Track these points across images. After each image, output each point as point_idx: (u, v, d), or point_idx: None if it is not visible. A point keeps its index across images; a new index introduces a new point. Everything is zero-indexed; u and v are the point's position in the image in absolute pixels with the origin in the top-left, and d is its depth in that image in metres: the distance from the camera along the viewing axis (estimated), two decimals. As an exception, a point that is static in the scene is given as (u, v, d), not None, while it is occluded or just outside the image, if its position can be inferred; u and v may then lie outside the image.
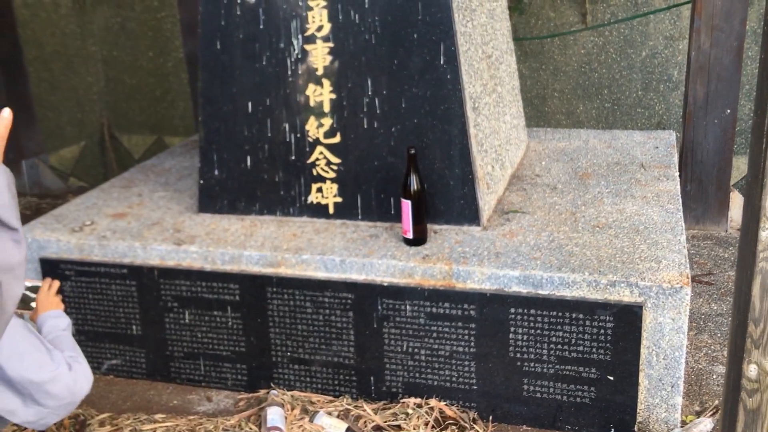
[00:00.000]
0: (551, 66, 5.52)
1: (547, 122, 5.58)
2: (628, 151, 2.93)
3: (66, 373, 1.44)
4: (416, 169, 2.15)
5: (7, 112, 1.10)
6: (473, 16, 2.36)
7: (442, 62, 2.19)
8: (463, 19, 2.25)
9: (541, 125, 5.55)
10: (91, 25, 6.39)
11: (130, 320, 2.38)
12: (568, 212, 2.37)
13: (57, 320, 1.65)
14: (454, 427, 2.08)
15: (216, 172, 2.46)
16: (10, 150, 4.33)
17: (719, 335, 2.48)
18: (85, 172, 6.53)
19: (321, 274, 2.18)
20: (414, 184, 2.15)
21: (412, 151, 2.14)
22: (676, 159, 2.84)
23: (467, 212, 2.28)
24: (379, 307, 2.12)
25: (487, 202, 2.34)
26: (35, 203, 4.14)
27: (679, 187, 2.56)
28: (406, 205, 2.16)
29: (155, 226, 2.45)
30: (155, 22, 6.26)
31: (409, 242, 2.20)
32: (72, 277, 2.38)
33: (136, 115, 6.52)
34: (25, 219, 4.28)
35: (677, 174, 2.67)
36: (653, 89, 5.34)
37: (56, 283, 1.71)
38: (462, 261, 2.07)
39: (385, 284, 2.11)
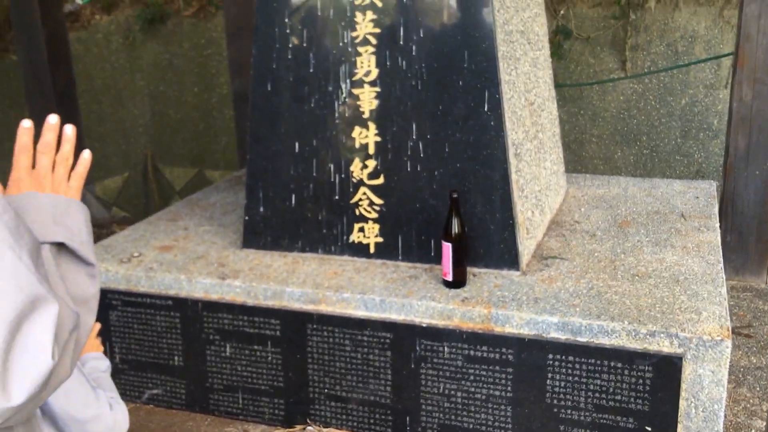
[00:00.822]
0: (590, 111, 5.55)
1: (585, 167, 5.59)
2: (668, 200, 2.94)
3: (108, 414, 1.47)
4: (458, 213, 2.19)
5: (87, 153, 1.16)
6: (517, 65, 2.42)
7: (486, 109, 2.24)
8: (508, 67, 2.31)
9: (579, 170, 5.56)
10: (140, 60, 6.60)
11: (172, 351, 2.43)
12: (608, 260, 2.38)
13: (98, 362, 1.68)
14: (488, 471, 2.08)
15: (261, 209, 2.53)
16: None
17: (758, 389, 2.46)
18: (127, 202, 6.69)
19: (360, 313, 2.21)
20: (455, 227, 2.19)
21: (455, 195, 2.19)
22: (716, 210, 2.84)
23: (507, 257, 2.30)
24: (417, 348, 2.15)
25: (526, 247, 2.37)
26: (81, 232, 4.25)
27: (719, 238, 2.56)
28: (447, 247, 2.19)
29: (200, 259, 2.51)
30: (202, 59, 6.45)
31: (448, 284, 2.23)
32: (118, 307, 2.45)
33: (179, 148, 6.68)
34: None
35: (717, 225, 2.67)
36: (693, 137, 5.34)
37: (97, 325, 1.76)
38: (501, 305, 2.10)
39: (424, 325, 2.14)
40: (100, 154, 6.48)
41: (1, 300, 0.82)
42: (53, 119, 1.10)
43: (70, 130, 1.13)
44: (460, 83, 2.25)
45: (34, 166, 1.10)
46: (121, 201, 6.65)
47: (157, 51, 6.55)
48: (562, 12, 5.50)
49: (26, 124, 1.09)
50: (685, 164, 5.40)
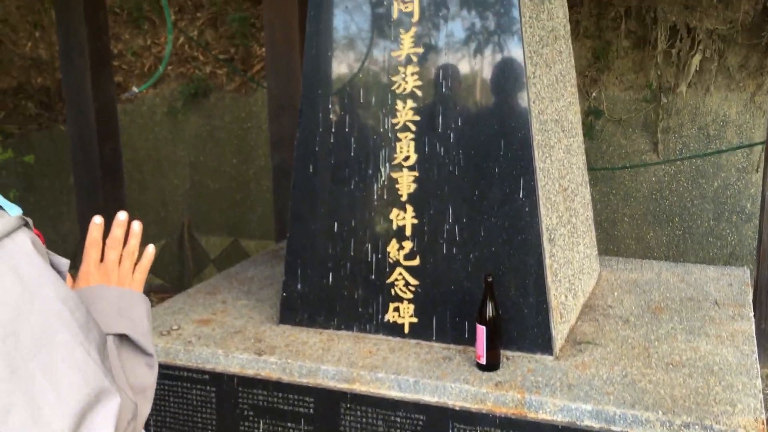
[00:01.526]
0: (622, 191, 5.59)
1: (617, 247, 5.60)
2: (702, 286, 2.95)
3: None
4: (492, 296, 2.23)
5: (151, 248, 1.24)
6: (551, 153, 2.49)
7: (521, 196, 2.30)
8: (542, 155, 2.38)
9: (611, 249, 5.57)
10: (182, 132, 6.83)
11: (206, 426, 2.47)
12: (641, 347, 2.39)
13: None
14: None
15: (299, 286, 2.59)
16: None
17: (798, 485, 2.40)
18: (163, 269, 6.82)
19: (394, 393, 2.24)
20: (490, 310, 2.22)
21: (490, 279, 2.23)
22: (750, 297, 2.84)
23: (540, 341, 2.32)
24: (450, 431, 2.16)
25: (560, 331, 2.39)
26: (119, 299, 4.35)
27: (753, 327, 2.56)
28: (481, 330, 2.23)
29: (238, 334, 2.57)
30: (242, 132, 6.66)
31: (482, 367, 2.25)
32: (156, 380, 2.49)
33: (216, 217, 6.83)
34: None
35: (752, 314, 2.67)
36: (726, 220, 5.34)
37: None
38: (534, 390, 2.11)
39: (457, 408, 2.15)
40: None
41: (69, 393, 0.88)
42: (122, 216, 1.19)
43: (137, 226, 1.21)
44: (496, 170, 2.32)
45: (102, 259, 1.18)
46: (157, 268, 6.77)
47: (199, 123, 6.79)
48: (594, 94, 5.62)
49: (97, 220, 1.18)
50: (719, 246, 5.39)
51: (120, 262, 1.19)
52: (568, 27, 2.87)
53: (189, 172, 6.88)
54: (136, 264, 1.21)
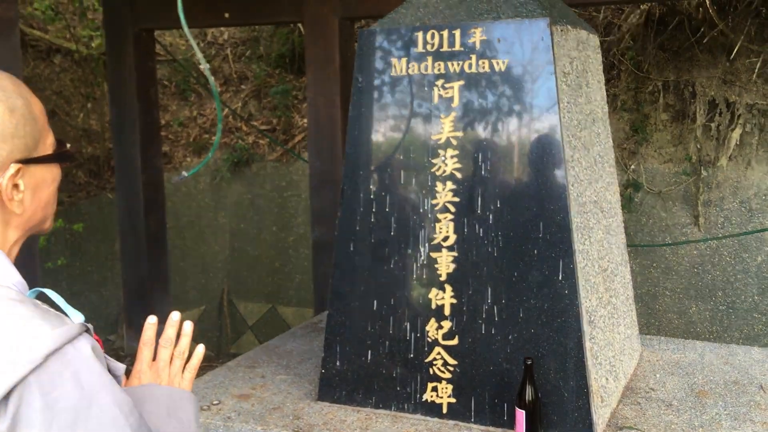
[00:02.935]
0: (662, 265, 5.53)
1: (659, 321, 5.51)
2: (747, 369, 2.89)
3: None
4: (532, 380, 2.22)
5: (201, 348, 1.28)
6: (590, 234, 2.50)
7: (560, 278, 2.31)
8: (581, 237, 2.39)
9: (652, 323, 5.48)
10: (225, 199, 6.99)
11: (243, 503, 2.46)
12: (685, 433, 2.34)
13: None
14: None
15: (337, 363, 2.61)
16: (142, 317, 4.71)
17: None
18: (201, 335, 6.88)
19: (432, 477, 2.22)
20: (529, 394, 2.21)
21: (529, 362, 2.22)
22: (798, 382, 2.77)
23: (581, 426, 2.29)
24: None
25: (600, 415, 2.36)
26: (159, 368, 4.41)
27: (803, 414, 2.49)
28: (521, 414, 2.21)
29: (276, 410, 2.58)
30: (281, 200, 6.79)
31: (521, 452, 2.22)
32: (195, 455, 2.51)
33: (254, 285, 6.91)
34: (148, 382, 4.55)
35: (801, 399, 2.60)
36: (771, 296, 5.23)
37: None
38: (575, 478, 2.07)
39: (496, 494, 2.13)
40: (180, 288, 6.75)
41: None
42: (176, 316, 1.23)
43: (188, 327, 1.26)
44: (535, 252, 2.34)
45: (154, 358, 1.23)
46: (195, 333, 6.81)
47: (241, 191, 6.94)
48: (632, 166, 5.63)
49: (152, 320, 1.23)
50: (764, 322, 5.27)
51: (171, 362, 1.23)
52: (606, 109, 2.92)
53: (229, 239, 7.01)
54: (186, 363, 1.25)
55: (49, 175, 1.11)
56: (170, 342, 1.23)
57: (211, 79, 2.45)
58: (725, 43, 5.28)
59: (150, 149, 4.47)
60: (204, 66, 2.37)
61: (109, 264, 6.48)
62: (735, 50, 4.96)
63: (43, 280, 5.81)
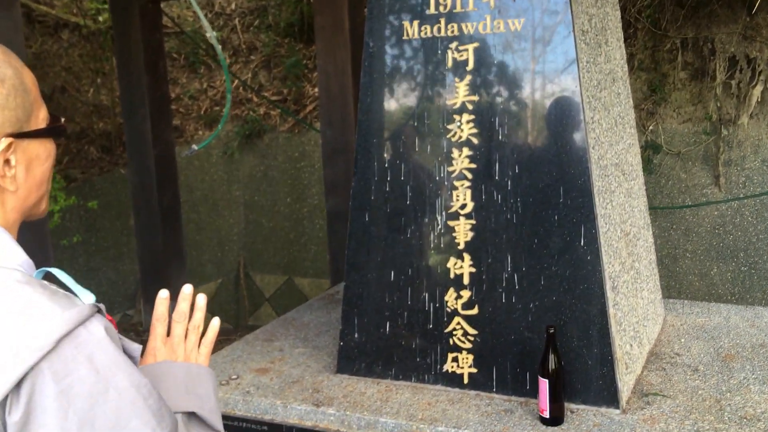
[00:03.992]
0: (683, 226, 5.45)
1: (679, 283, 5.44)
2: (774, 331, 2.82)
3: None
4: (555, 348, 2.17)
5: (216, 321, 1.24)
6: (612, 198, 2.43)
7: (582, 244, 2.25)
8: (603, 201, 2.33)
9: (672, 286, 5.42)
10: (237, 172, 6.95)
11: (265, 477, 2.45)
12: (713, 399, 2.29)
13: None
14: None
15: (356, 336, 2.57)
16: (157, 291, 4.70)
17: None
18: (219, 308, 6.89)
19: (455, 448, 2.19)
20: (552, 362, 2.16)
21: (552, 330, 2.17)
22: (827, 343, 2.71)
23: (606, 393, 2.25)
24: (514, 489, 2.09)
25: (626, 383, 2.31)
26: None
27: (833, 377, 2.43)
28: (544, 383, 2.16)
29: (295, 384, 2.55)
30: (295, 171, 6.74)
31: (545, 421, 2.18)
32: (216, 430, 2.50)
33: (270, 257, 6.90)
34: (167, 357, 4.56)
35: (831, 362, 2.54)
36: (794, 255, 5.14)
37: None
38: (601, 447, 2.03)
39: (521, 465, 2.09)
40: (196, 262, 6.75)
41: None
42: (188, 289, 1.19)
43: (201, 300, 1.21)
44: (556, 217, 2.28)
45: (168, 334, 1.18)
46: (213, 307, 6.85)
47: (254, 163, 6.89)
48: (651, 127, 5.51)
49: (163, 294, 1.18)
50: (788, 282, 5.18)
51: (186, 336, 1.18)
52: (626, 68, 2.82)
53: (244, 212, 6.98)
54: (201, 337, 1.21)
55: (43, 151, 1.05)
56: (184, 316, 1.18)
57: (219, 48, 2.38)
58: (745, -3, 5.12)
59: (161, 123, 4.42)
60: (210, 35, 2.30)
61: (125, 239, 6.48)
62: (757, 4, 4.80)
63: (59, 257, 5.82)
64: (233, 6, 7.76)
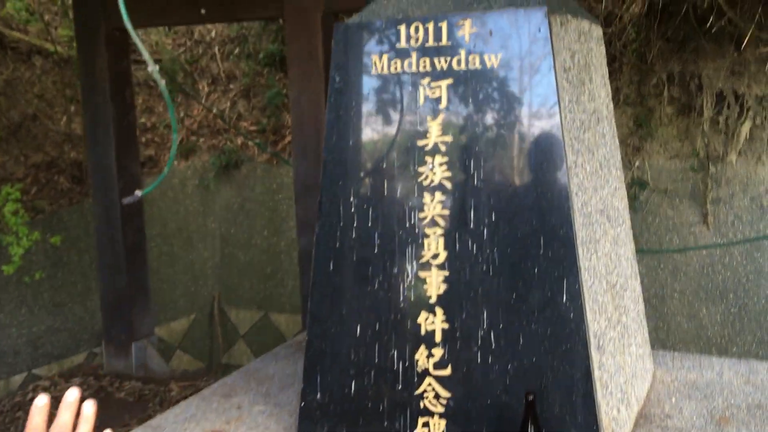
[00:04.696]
0: (670, 265, 5.27)
1: (667, 324, 5.25)
2: (771, 390, 2.63)
3: None
4: (534, 418, 1.96)
5: (90, 408, 0.99)
6: (597, 247, 2.24)
7: (564, 300, 2.05)
8: (587, 252, 2.14)
9: (660, 327, 5.23)
10: (213, 204, 6.73)
11: None
12: (707, 471, 2.08)
13: None
14: None
15: (318, 396, 2.35)
16: (121, 332, 4.46)
17: None
18: (192, 345, 6.63)
19: None
20: (531, 433, 1.95)
21: (531, 398, 1.96)
22: (828, 404, 2.51)
23: (590, 466, 2.04)
24: None
25: (612, 453, 2.10)
26: (139, 389, 4.16)
27: (837, 444, 2.23)
28: (522, 456, 1.95)
29: (251, 448, 2.33)
30: (273, 203, 6.53)
31: (523, 498, 1.97)
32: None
33: (246, 291, 6.66)
34: (129, 407, 4.32)
35: (833, 426, 2.35)
36: (786, 298, 4.97)
37: None
38: None
39: None
40: (168, 296, 6.50)
41: None
42: (72, 395, 0.96)
43: (89, 408, 0.98)
44: (536, 270, 2.08)
45: None
46: (185, 344, 6.59)
47: (230, 195, 6.68)
48: (637, 163, 5.36)
49: (40, 402, 0.95)
50: (779, 325, 5.01)
51: None
52: (611, 106, 2.65)
53: (219, 245, 6.75)
54: None
55: None
56: (65, 430, 0.95)
57: (162, 83, 2.18)
58: (733, 32, 5.00)
59: (127, 155, 4.21)
60: (153, 68, 2.10)
61: (93, 273, 6.22)
62: (746, 39, 4.68)
63: (22, 294, 5.56)
64: (213, 34, 7.60)
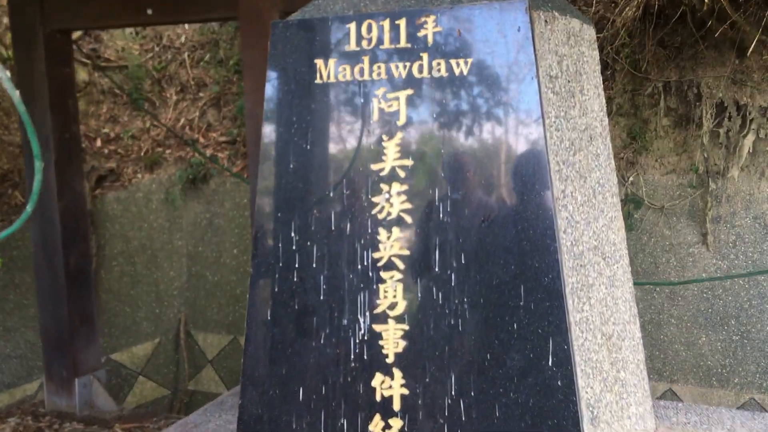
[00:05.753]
0: (667, 288, 4.89)
1: (664, 353, 4.86)
2: (794, 455, 2.24)
3: None
4: None
5: None
6: (590, 294, 1.85)
7: (550, 363, 1.65)
8: (578, 303, 1.74)
9: (656, 356, 4.84)
10: (180, 220, 6.31)
11: None
12: None
13: None
14: None
15: (253, 472, 1.94)
16: (63, 367, 4.04)
17: None
18: (156, 371, 6.20)
19: None
20: None
21: (507, 491, 1.56)
22: None
23: None
24: None
25: None
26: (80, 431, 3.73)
27: None
28: None
29: None
30: (243, 219, 6.12)
31: None
32: None
33: (214, 313, 6.23)
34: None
35: None
36: (792, 324, 4.60)
37: None
38: None
39: None
40: (130, 319, 6.08)
41: None
42: None
43: None
44: (515, 326, 1.68)
45: None
46: (149, 370, 6.16)
47: (198, 210, 6.27)
48: (631, 178, 4.98)
49: None
50: (784, 355, 4.63)
51: None
52: (606, 121, 2.26)
53: (186, 264, 6.32)
54: None
55: None
56: None
57: (15, 94, 1.78)
58: (734, 38, 4.63)
59: (68, 170, 3.79)
60: (2, 75, 1.69)
61: (48, 296, 5.79)
62: (752, 46, 4.31)
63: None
64: (183, 39, 7.19)
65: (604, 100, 2.27)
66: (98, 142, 6.73)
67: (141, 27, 5.74)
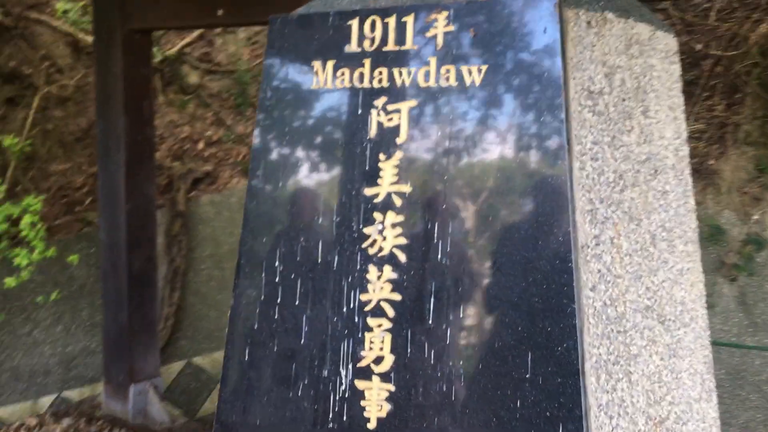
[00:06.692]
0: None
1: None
2: None
3: None
4: None
5: None
6: (632, 367, 1.46)
7: (559, 455, 1.29)
8: (609, 380, 1.36)
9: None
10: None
11: None
12: None
13: None
14: None
15: None
16: (120, 372, 3.96)
17: None
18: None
19: None
20: None
21: None
22: None
23: None
24: None
25: None
26: (128, 443, 3.64)
27: None
28: None
29: None
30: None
31: None
32: None
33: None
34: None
35: None
36: None
37: None
38: None
39: None
40: (214, 325, 6.03)
41: None
42: None
43: None
44: (518, 404, 1.33)
45: None
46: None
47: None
48: (755, 216, 4.37)
49: None
50: None
51: None
52: (685, 150, 1.83)
53: (273, 272, 6.23)
54: None
55: None
56: None
57: None
58: None
59: (138, 173, 3.72)
60: None
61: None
62: None
63: (32, 315, 5.16)
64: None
65: (683, 124, 1.85)
66: (200, 145, 6.78)
67: (209, 28, 5.66)
